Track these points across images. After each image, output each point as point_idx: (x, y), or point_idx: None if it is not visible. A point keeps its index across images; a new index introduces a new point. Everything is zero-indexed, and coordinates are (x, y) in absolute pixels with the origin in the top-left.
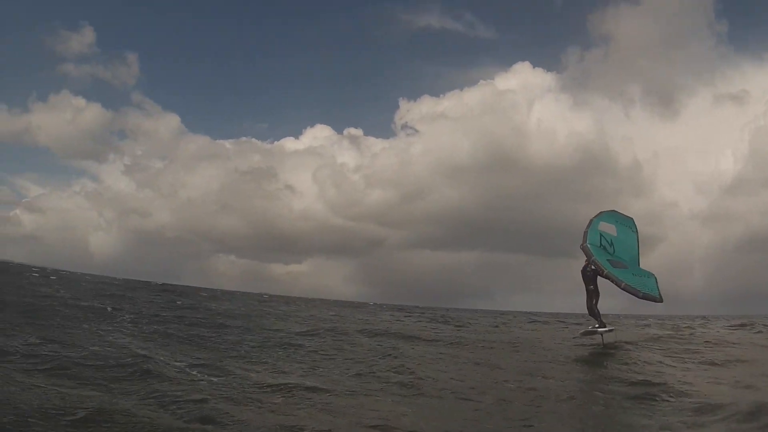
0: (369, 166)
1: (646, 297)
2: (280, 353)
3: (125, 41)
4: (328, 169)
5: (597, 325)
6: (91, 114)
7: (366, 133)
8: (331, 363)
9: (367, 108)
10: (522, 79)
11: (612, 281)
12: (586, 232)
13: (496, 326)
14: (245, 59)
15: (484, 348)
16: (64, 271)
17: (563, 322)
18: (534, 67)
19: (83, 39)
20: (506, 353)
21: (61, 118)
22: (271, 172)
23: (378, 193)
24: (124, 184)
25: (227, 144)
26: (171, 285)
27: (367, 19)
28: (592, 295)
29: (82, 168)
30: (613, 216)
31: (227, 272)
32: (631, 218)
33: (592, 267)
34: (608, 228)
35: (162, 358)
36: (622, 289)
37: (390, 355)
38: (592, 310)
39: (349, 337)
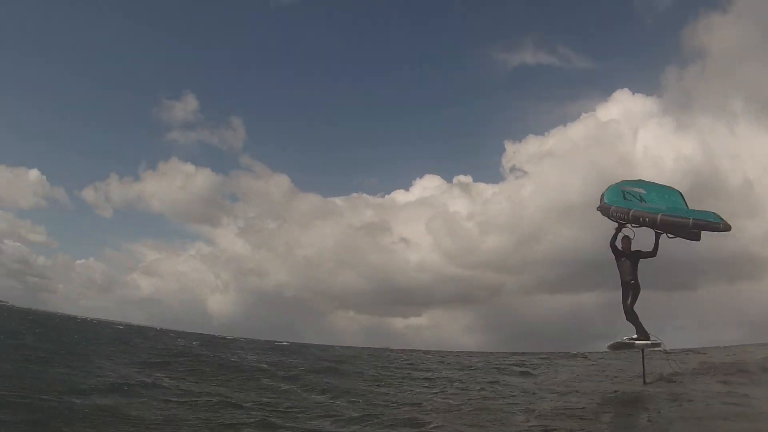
0: (481, 213)
1: (699, 225)
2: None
3: (228, 106)
4: (441, 218)
5: (635, 336)
6: (201, 179)
7: (475, 180)
8: None
9: (475, 154)
10: (623, 107)
11: (644, 219)
12: (602, 195)
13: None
14: (349, 116)
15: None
16: (191, 332)
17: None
18: (634, 93)
19: (186, 106)
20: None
21: (172, 184)
22: (384, 226)
23: (493, 239)
24: (239, 246)
25: (339, 201)
26: (297, 344)
27: (465, 63)
28: (629, 290)
29: (197, 232)
30: (642, 182)
31: (347, 328)
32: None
33: (617, 245)
34: (636, 189)
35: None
36: (659, 224)
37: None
38: (630, 313)
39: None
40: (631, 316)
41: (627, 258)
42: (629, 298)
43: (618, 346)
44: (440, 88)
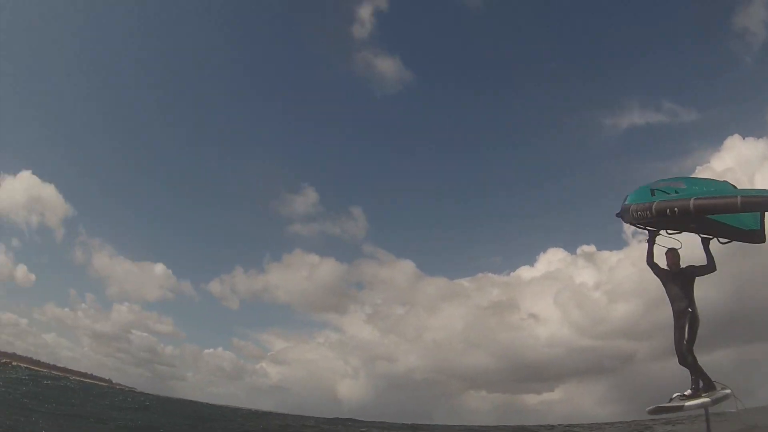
0: (608, 281)
1: (751, 203)
2: None
3: (347, 196)
4: (567, 291)
5: (687, 392)
6: (326, 269)
7: (599, 248)
8: None
9: (596, 222)
10: (736, 154)
11: (672, 211)
12: (625, 198)
13: None
14: (468, 196)
15: None
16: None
17: None
18: (744, 138)
19: (307, 200)
20: None
21: (297, 274)
22: (512, 304)
23: (621, 307)
24: (367, 333)
25: (465, 282)
26: (433, 425)
27: (575, 132)
28: (683, 324)
29: (324, 320)
30: (683, 177)
31: (479, 408)
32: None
33: (657, 263)
34: (672, 184)
35: None
36: (693, 211)
37: None
38: (686, 355)
39: None
40: (688, 359)
41: (676, 278)
42: (685, 334)
43: (659, 410)
44: (553, 159)
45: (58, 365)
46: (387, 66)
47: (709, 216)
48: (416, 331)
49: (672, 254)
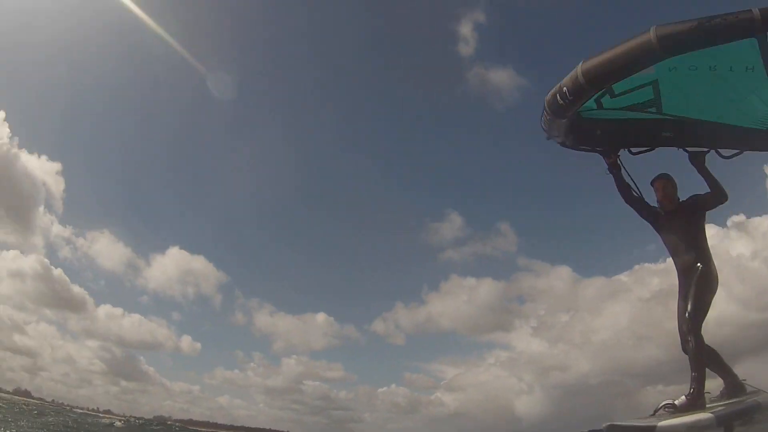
0: (765, 248)
1: (671, 38)
2: None
3: (491, 214)
4: (726, 265)
5: (684, 398)
6: (484, 289)
7: (749, 216)
8: None
9: (742, 187)
10: None
11: (564, 94)
12: None
13: None
14: (613, 188)
15: None
16: None
17: None
18: None
19: (453, 225)
20: None
21: (458, 300)
22: (673, 290)
23: None
24: (535, 345)
25: (623, 277)
26: None
27: None
28: (689, 284)
29: (491, 340)
30: None
31: (660, 403)
32: None
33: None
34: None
35: None
36: (582, 80)
37: None
38: (688, 334)
39: None
40: (690, 342)
41: (674, 219)
42: (689, 303)
43: (616, 430)
44: None
45: (236, 425)
46: (501, 78)
47: (687, 115)
48: (583, 336)
49: (663, 184)
